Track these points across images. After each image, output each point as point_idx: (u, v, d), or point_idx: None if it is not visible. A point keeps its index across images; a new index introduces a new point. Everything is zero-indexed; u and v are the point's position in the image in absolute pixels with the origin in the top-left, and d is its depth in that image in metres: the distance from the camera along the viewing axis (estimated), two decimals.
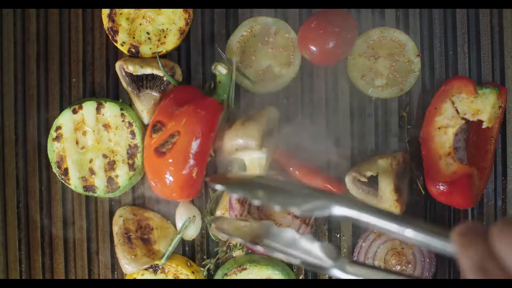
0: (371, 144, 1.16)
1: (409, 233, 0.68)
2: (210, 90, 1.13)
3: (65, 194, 1.18)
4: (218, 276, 1.13)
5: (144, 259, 1.12)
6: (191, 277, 1.13)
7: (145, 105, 1.12)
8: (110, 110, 1.11)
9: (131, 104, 1.15)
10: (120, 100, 1.17)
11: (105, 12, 1.12)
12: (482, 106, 1.07)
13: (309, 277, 1.17)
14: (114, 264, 1.18)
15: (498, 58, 1.15)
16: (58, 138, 1.11)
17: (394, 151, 1.15)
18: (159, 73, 1.11)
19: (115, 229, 1.14)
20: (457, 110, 1.08)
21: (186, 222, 1.14)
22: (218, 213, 1.14)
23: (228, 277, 1.11)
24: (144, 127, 1.13)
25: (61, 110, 1.15)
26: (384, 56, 1.14)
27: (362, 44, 1.14)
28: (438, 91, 1.11)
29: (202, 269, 1.14)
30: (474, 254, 0.58)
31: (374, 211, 0.72)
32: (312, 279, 1.16)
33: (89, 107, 1.11)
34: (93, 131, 1.11)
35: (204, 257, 1.17)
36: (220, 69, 1.10)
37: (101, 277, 1.18)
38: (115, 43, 1.13)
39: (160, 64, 1.10)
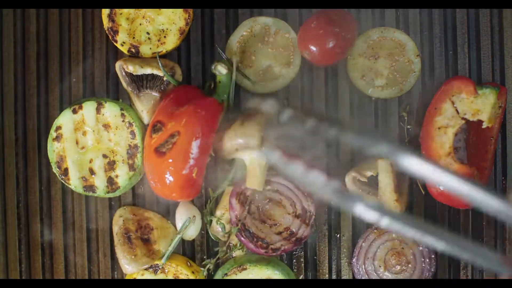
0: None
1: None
2: (210, 90, 1.13)
3: (65, 194, 1.18)
4: (218, 276, 1.13)
5: (144, 259, 1.12)
6: (191, 277, 1.13)
7: (145, 105, 1.12)
8: (110, 110, 1.11)
9: (131, 104, 1.15)
10: (120, 100, 1.17)
11: (105, 12, 1.12)
12: (482, 106, 1.07)
13: (309, 277, 1.17)
14: (114, 264, 1.18)
15: (498, 58, 1.15)
16: (58, 138, 1.11)
17: None
18: (159, 73, 1.11)
19: (115, 229, 1.14)
20: (457, 110, 1.08)
21: (186, 222, 1.14)
22: (218, 213, 1.14)
23: (228, 277, 1.11)
24: (144, 127, 1.13)
25: (61, 110, 1.15)
26: (384, 56, 1.14)
27: (362, 44, 1.14)
28: (438, 91, 1.11)
29: (202, 269, 1.14)
30: None
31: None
32: (312, 279, 1.16)
33: (89, 107, 1.11)
34: (93, 131, 1.11)
35: (204, 257, 1.17)
36: (220, 69, 1.10)
37: (101, 277, 1.18)
38: (115, 43, 1.13)
39: (160, 64, 1.10)
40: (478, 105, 1.07)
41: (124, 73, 1.12)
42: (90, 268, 1.18)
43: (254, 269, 1.11)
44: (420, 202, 1.15)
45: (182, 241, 1.17)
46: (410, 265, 1.13)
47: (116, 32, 1.12)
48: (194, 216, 1.14)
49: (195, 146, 1.01)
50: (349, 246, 1.16)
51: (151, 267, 1.13)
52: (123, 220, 1.14)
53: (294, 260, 1.17)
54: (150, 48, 1.12)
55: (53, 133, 1.12)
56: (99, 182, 1.11)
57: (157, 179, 1.03)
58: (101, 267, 1.18)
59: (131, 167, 1.10)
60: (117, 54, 1.17)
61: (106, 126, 1.11)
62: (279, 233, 1.12)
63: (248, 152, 1.05)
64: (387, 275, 1.13)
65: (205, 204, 1.16)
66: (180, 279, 1.13)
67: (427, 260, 1.13)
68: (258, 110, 1.08)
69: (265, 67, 1.15)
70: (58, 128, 1.11)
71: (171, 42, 1.12)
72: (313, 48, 1.07)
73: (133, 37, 1.12)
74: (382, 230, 1.13)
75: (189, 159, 1.00)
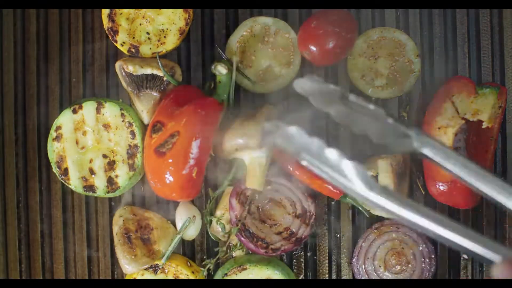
0: (371, 144, 1.16)
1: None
2: (210, 90, 1.13)
3: (65, 194, 1.18)
4: (218, 276, 1.13)
5: (144, 259, 1.12)
6: (191, 277, 1.13)
7: (145, 105, 1.12)
8: (110, 110, 1.11)
9: (131, 104, 1.15)
10: (120, 100, 1.17)
11: (105, 12, 1.12)
12: (482, 106, 1.07)
13: (309, 277, 1.17)
14: (114, 264, 1.18)
15: (498, 58, 1.15)
16: (58, 138, 1.11)
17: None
18: (159, 73, 1.11)
19: (115, 229, 1.14)
20: (457, 110, 1.08)
21: (186, 222, 1.14)
22: (218, 213, 1.14)
23: (228, 277, 1.11)
24: (144, 127, 1.13)
25: (61, 110, 1.15)
26: (384, 56, 1.14)
27: (362, 44, 1.14)
28: (438, 91, 1.11)
29: (202, 269, 1.14)
30: None
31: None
32: (312, 279, 1.16)
33: (89, 107, 1.11)
34: (93, 131, 1.11)
35: (204, 257, 1.17)
36: (220, 69, 1.10)
37: (101, 277, 1.18)
38: (115, 43, 1.13)
39: (160, 64, 1.10)
40: (478, 105, 1.07)
41: (124, 73, 1.12)
42: (90, 268, 1.18)
43: (254, 269, 1.11)
44: (420, 202, 1.15)
45: (182, 241, 1.17)
46: (410, 265, 1.13)
47: (116, 32, 1.12)
48: (194, 216, 1.14)
49: (195, 146, 1.01)
50: (349, 246, 1.16)
51: (151, 267, 1.13)
52: (123, 220, 1.14)
53: (294, 260, 1.17)
54: (150, 48, 1.12)
55: (53, 133, 1.12)
56: (99, 182, 1.11)
57: (157, 179, 1.03)
58: (101, 267, 1.18)
59: (131, 167, 1.10)
60: (117, 54, 1.17)
61: (106, 126, 1.11)
62: (279, 233, 1.12)
63: (248, 152, 1.05)
64: (387, 275, 1.13)
65: (205, 204, 1.16)
66: (180, 279, 1.13)
67: (427, 260, 1.13)
68: (258, 110, 1.08)
69: (265, 67, 1.15)
70: (58, 128, 1.11)
71: (171, 42, 1.12)
72: (313, 48, 1.07)
73: (133, 37, 1.12)
74: (382, 230, 1.13)
75: (189, 159, 1.00)
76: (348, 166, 0.76)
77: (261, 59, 1.14)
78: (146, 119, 1.13)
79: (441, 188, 1.07)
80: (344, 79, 1.16)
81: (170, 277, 1.14)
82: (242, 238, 1.11)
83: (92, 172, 1.11)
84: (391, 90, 1.14)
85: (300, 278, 1.16)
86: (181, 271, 1.13)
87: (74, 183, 1.11)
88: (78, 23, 1.18)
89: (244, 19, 1.15)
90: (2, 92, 1.18)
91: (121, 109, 1.10)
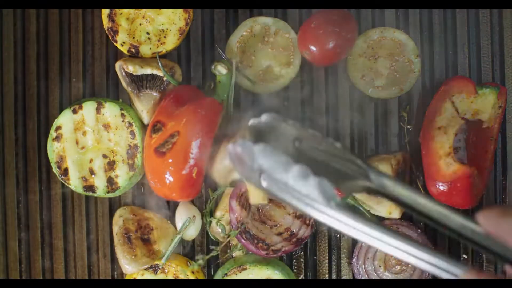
0: (371, 144, 1.16)
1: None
2: (210, 90, 1.13)
3: (65, 194, 1.18)
4: (218, 276, 1.13)
5: (144, 259, 1.12)
6: (191, 277, 1.13)
7: (145, 105, 1.12)
8: (110, 110, 1.11)
9: (131, 104, 1.15)
10: (120, 100, 1.17)
11: (105, 12, 1.12)
12: (482, 106, 1.07)
13: (309, 277, 1.17)
14: (114, 264, 1.18)
15: (498, 58, 1.15)
16: (58, 138, 1.11)
17: (394, 151, 1.15)
18: (159, 73, 1.11)
19: (115, 229, 1.14)
20: (457, 110, 1.08)
21: (186, 222, 1.14)
22: (218, 214, 1.14)
23: (228, 277, 1.11)
24: (144, 127, 1.13)
25: (61, 110, 1.15)
26: (384, 56, 1.14)
27: (362, 44, 1.14)
28: (438, 91, 1.11)
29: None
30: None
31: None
32: (312, 279, 1.16)
33: (89, 107, 1.11)
34: (93, 131, 1.11)
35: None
36: (220, 69, 1.10)
37: (101, 277, 1.18)
38: (115, 43, 1.13)
39: (160, 64, 1.10)
40: (478, 105, 1.07)
41: (124, 73, 1.12)
42: (90, 268, 1.18)
43: (254, 269, 1.11)
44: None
45: (182, 241, 1.17)
46: (410, 265, 1.13)
47: (116, 32, 1.12)
48: (194, 216, 1.14)
49: (195, 146, 1.01)
50: (349, 246, 1.16)
51: (151, 267, 1.13)
52: (123, 220, 1.14)
53: (294, 260, 1.17)
54: (150, 48, 1.12)
55: (53, 133, 1.12)
56: (99, 182, 1.11)
57: (157, 179, 1.03)
58: (101, 267, 1.18)
59: (131, 167, 1.10)
60: (117, 54, 1.17)
61: (106, 126, 1.11)
62: (280, 234, 1.12)
63: None
64: (387, 275, 1.13)
65: (205, 204, 1.16)
66: (180, 279, 1.13)
67: None
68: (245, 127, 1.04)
69: (265, 67, 1.15)
70: (58, 128, 1.11)
71: (171, 42, 1.12)
72: (313, 48, 1.07)
73: (133, 37, 1.12)
74: None
75: (189, 159, 1.00)
76: (314, 182, 0.72)
77: (261, 59, 1.14)
78: (146, 119, 1.13)
79: (441, 188, 1.07)
80: (344, 79, 1.16)
81: (170, 277, 1.14)
82: (243, 240, 1.11)
83: (92, 172, 1.11)
84: (391, 90, 1.14)
85: (300, 278, 1.16)
86: (181, 271, 1.13)
87: (74, 183, 1.11)
88: (78, 23, 1.18)
89: (244, 19, 1.15)
90: (2, 92, 1.18)
91: (121, 109, 1.10)
